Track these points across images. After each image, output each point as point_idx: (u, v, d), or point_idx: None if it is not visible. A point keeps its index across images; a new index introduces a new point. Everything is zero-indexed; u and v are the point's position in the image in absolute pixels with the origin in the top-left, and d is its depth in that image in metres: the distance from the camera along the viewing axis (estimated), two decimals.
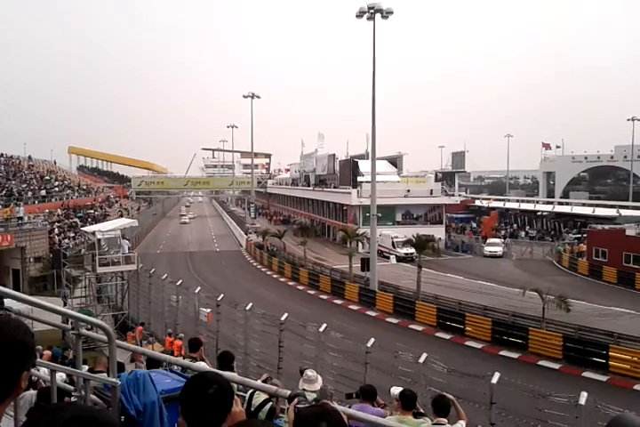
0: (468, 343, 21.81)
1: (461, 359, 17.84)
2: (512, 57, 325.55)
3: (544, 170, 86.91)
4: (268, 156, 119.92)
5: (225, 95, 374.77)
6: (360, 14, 28.38)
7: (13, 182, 46.91)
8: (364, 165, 47.85)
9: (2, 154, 56.76)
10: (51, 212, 42.88)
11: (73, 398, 2.90)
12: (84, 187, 65.23)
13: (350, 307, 28.51)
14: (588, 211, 53.11)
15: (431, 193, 51.03)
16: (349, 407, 4.15)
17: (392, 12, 28.28)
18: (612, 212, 50.15)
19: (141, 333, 19.74)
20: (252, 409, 4.70)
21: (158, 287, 21.77)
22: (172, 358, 4.62)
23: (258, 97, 56.31)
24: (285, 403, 3.11)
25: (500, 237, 50.33)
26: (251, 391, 4.75)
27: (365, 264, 30.68)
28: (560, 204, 62.58)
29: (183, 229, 71.82)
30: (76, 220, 44.65)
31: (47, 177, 56.25)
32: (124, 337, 19.75)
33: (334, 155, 61.13)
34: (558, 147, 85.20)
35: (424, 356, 12.25)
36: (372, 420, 2.84)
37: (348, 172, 52.70)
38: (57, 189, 53.11)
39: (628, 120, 64.27)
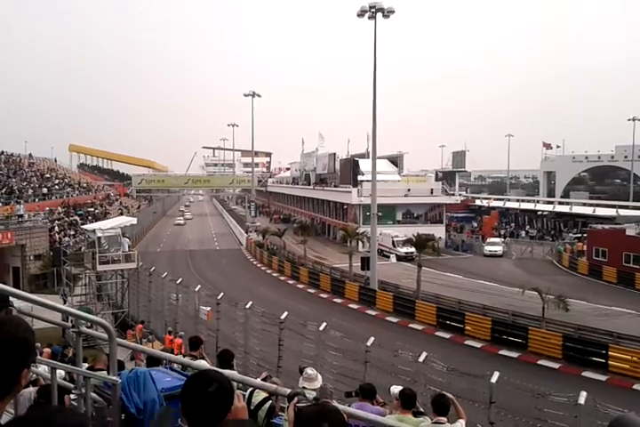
0: (467, 343, 21.81)
1: (461, 359, 17.83)
2: (512, 57, 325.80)
3: (544, 170, 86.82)
4: (269, 154, 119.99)
5: (225, 94, 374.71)
6: (361, 13, 28.34)
7: (14, 180, 46.88)
8: (365, 164, 47.81)
9: (2, 152, 56.75)
10: (51, 210, 42.88)
11: (73, 396, 2.90)
12: (85, 185, 65.26)
13: (350, 306, 28.52)
14: (588, 211, 53.08)
15: (431, 192, 51.03)
16: (349, 406, 4.15)
17: (393, 12, 28.25)
18: (612, 212, 50.11)
19: (141, 331, 19.77)
20: (252, 408, 4.70)
21: (158, 285, 21.79)
22: (172, 356, 4.62)
23: (259, 96, 56.22)
24: (285, 401, 3.11)
25: (500, 237, 50.39)
26: (250, 390, 4.74)
27: (365, 263, 30.68)
28: (560, 203, 62.52)
29: (183, 228, 71.82)
30: (76, 218, 44.65)
31: (48, 175, 56.27)
32: (123, 335, 19.77)
33: (335, 154, 61.09)
34: (559, 146, 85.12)
35: (424, 355, 12.25)
36: (372, 418, 2.84)
37: (349, 171, 52.67)
38: (57, 186, 53.14)
39: (629, 120, 64.13)
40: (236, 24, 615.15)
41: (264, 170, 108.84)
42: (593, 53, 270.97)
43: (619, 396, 14.95)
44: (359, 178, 50.16)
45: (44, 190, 47.60)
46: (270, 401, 4.78)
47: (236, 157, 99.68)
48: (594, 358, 18.51)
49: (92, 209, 51.46)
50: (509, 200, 67.24)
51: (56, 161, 74.45)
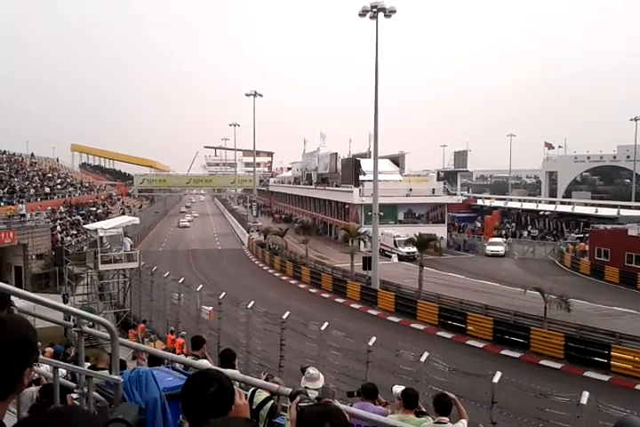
0: (469, 342, 21.79)
1: (463, 358, 17.82)
2: (515, 56, 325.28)
3: (546, 169, 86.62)
4: (271, 154, 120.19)
5: (227, 94, 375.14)
6: (363, 13, 28.33)
7: (16, 180, 46.98)
8: (366, 164, 47.85)
9: (4, 151, 56.89)
10: (53, 209, 42.99)
11: (75, 395, 2.90)
12: (87, 184, 65.40)
13: (352, 305, 28.52)
14: (590, 211, 52.96)
15: (433, 192, 51.00)
16: (351, 406, 4.15)
17: (395, 11, 28.23)
18: (614, 212, 49.98)
19: (143, 330, 19.77)
20: (254, 407, 4.70)
21: (160, 285, 21.77)
22: (174, 355, 4.62)
23: (260, 95, 56.26)
24: (287, 401, 3.10)
25: (501, 237, 50.32)
26: (252, 389, 4.74)
27: (367, 263, 30.69)
28: (562, 203, 62.40)
29: (185, 228, 71.86)
30: (78, 217, 44.76)
31: (50, 174, 56.38)
32: (125, 335, 19.78)
33: (336, 153, 61.11)
34: (561, 146, 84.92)
35: (425, 355, 12.23)
36: (374, 418, 2.84)
37: (350, 170, 52.68)
38: (59, 186, 53.26)
39: (631, 120, 64.11)
40: (239, 24, 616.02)
41: (266, 170, 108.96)
42: (595, 53, 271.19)
43: (621, 396, 14.92)
44: (361, 178, 50.18)
45: (47, 190, 47.74)
46: (272, 401, 4.78)
47: (238, 157, 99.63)
48: (596, 359, 18.48)
49: (94, 209, 51.58)
50: (511, 200, 67.19)
51: (58, 161, 74.65)
